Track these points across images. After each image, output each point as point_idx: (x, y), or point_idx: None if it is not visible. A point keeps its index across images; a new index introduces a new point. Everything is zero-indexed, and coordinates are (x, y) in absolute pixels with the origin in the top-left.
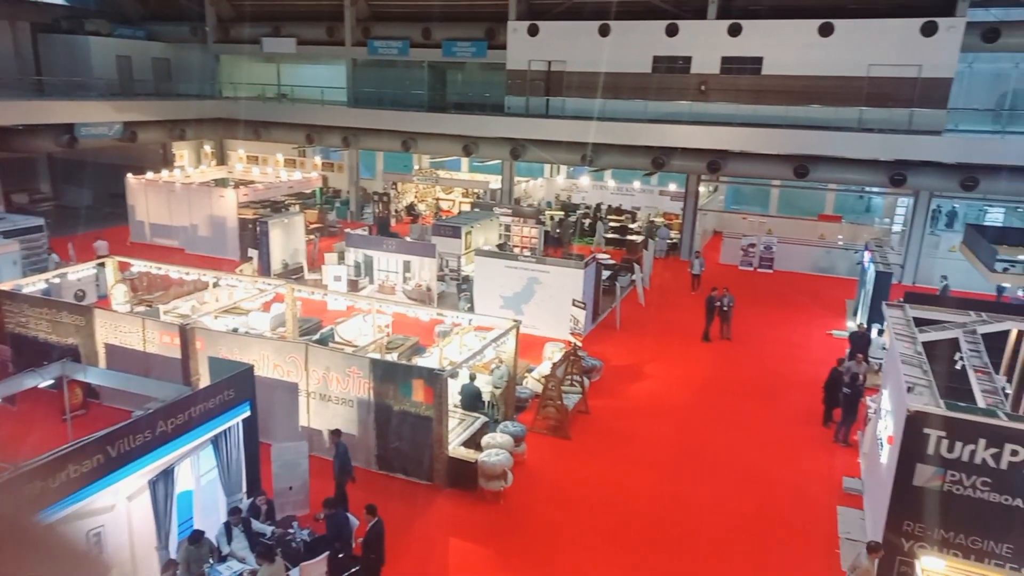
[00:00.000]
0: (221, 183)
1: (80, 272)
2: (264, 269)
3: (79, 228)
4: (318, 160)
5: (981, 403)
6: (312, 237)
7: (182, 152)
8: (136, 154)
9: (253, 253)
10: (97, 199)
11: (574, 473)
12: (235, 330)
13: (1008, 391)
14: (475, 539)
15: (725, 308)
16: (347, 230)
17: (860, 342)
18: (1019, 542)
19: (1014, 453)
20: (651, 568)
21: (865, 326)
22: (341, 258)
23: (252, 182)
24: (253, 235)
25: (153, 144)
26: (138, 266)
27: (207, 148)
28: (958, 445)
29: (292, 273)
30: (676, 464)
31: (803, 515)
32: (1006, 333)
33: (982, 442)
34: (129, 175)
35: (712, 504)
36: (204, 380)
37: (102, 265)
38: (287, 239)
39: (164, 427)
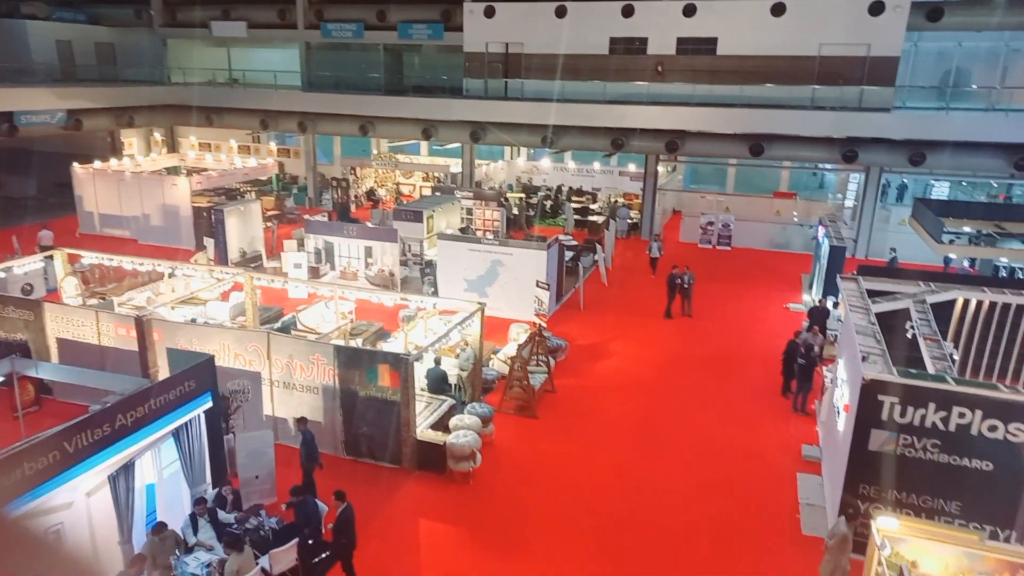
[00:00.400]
0: (173, 171)
1: (27, 265)
2: (221, 258)
3: (24, 219)
4: (273, 146)
5: (931, 369)
6: (270, 224)
7: (131, 140)
8: (83, 142)
9: (208, 242)
10: (42, 189)
11: (542, 451)
12: (193, 320)
13: (955, 357)
14: (445, 520)
15: (686, 285)
16: (306, 216)
17: (819, 315)
18: (967, 500)
19: (961, 416)
20: (618, 540)
21: (823, 300)
22: (300, 245)
23: (205, 169)
24: (208, 224)
25: (100, 132)
26: (89, 258)
27: (157, 135)
28: (910, 410)
29: (250, 261)
30: (641, 439)
31: (764, 483)
32: (953, 302)
33: (932, 406)
34: (75, 164)
35: (676, 475)
36: (163, 372)
37: (50, 258)
38: (244, 227)
39: (123, 421)
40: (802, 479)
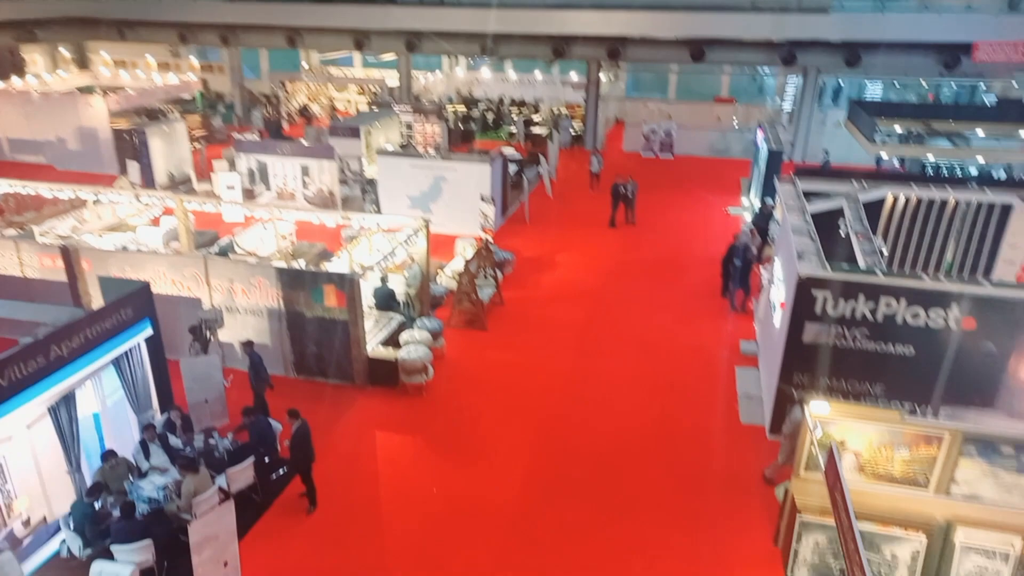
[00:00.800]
0: (86, 91)
1: None
2: (147, 182)
3: None
4: (195, 61)
5: (862, 264)
6: (198, 145)
7: (33, 57)
8: None
9: (132, 166)
10: None
11: (492, 362)
12: (124, 248)
13: (884, 252)
14: (401, 431)
15: (629, 195)
16: (235, 135)
17: (762, 219)
18: (890, 382)
19: (888, 305)
20: (568, 440)
21: (768, 204)
22: (232, 166)
23: (122, 88)
24: (132, 146)
25: None
26: (1, 186)
27: (64, 52)
28: (842, 303)
29: (180, 184)
30: (587, 344)
31: (705, 378)
32: (883, 200)
33: (862, 298)
34: None
35: (621, 375)
36: (97, 301)
37: None
38: (170, 149)
39: (59, 352)
40: (740, 372)
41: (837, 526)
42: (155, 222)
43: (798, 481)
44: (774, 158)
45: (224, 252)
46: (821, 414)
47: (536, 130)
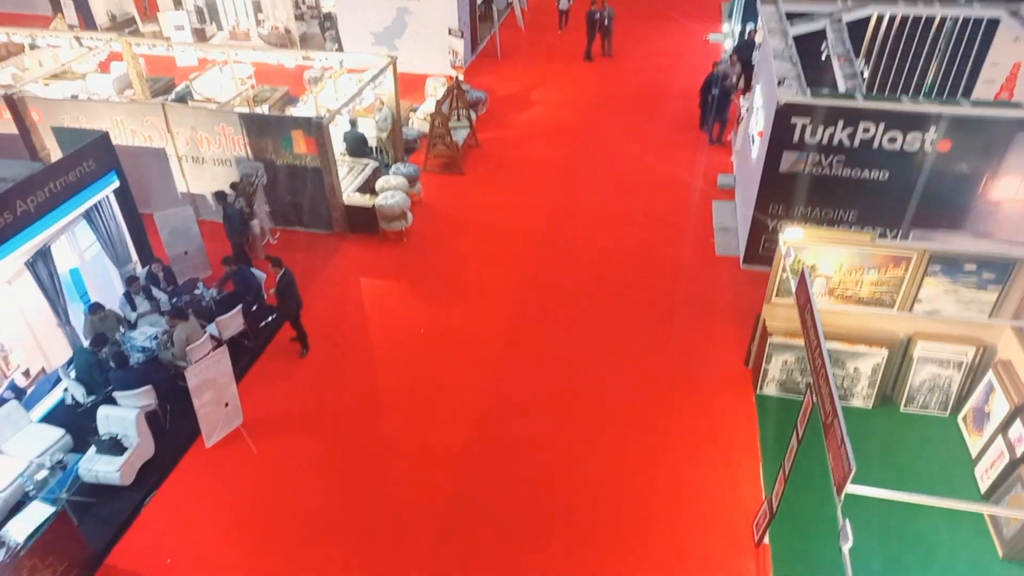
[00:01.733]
0: None
1: None
2: (87, 22)
3: None
4: None
5: (842, 87)
6: None
7: None
8: None
9: (67, 4)
10: None
11: (471, 204)
12: (75, 97)
13: (865, 74)
14: (385, 276)
15: (606, 23)
16: None
17: (745, 49)
18: (863, 207)
19: (866, 130)
20: (550, 277)
21: (753, 28)
22: (178, 3)
23: None
24: None
25: None
26: None
27: None
28: (820, 129)
29: (124, 26)
30: (566, 180)
31: (683, 211)
32: (867, 19)
33: (840, 123)
34: None
35: (602, 211)
36: (56, 153)
37: None
38: None
39: (25, 207)
40: (717, 206)
41: (806, 345)
42: (104, 68)
43: (770, 306)
44: None
45: (182, 99)
46: (795, 241)
47: None
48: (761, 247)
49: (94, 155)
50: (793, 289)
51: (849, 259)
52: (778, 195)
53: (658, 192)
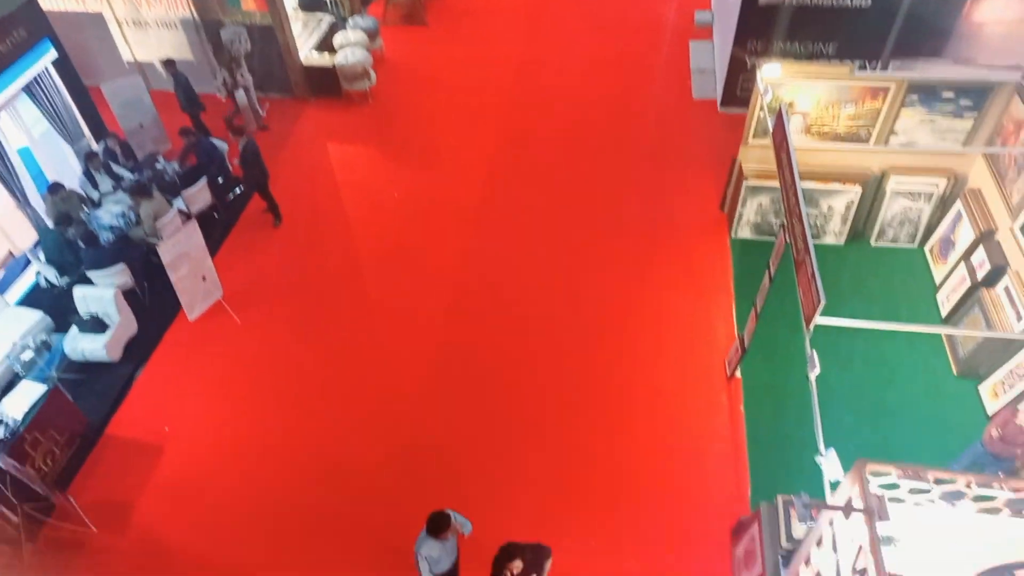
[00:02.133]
0: None
1: None
2: None
3: None
4: None
5: None
6: None
7: None
8: None
9: None
10: None
11: (438, 57)
12: None
13: None
14: (353, 141)
15: None
16: None
17: None
18: (843, 39)
19: None
20: (524, 126)
21: None
22: None
23: None
24: None
25: None
26: None
27: None
28: None
29: None
30: (537, 27)
31: (659, 53)
32: None
33: None
34: None
35: (575, 57)
36: None
37: None
38: None
39: None
40: (694, 46)
41: (780, 184)
42: None
43: (746, 148)
44: None
45: None
46: (772, 77)
47: None
48: (739, 88)
49: (23, 23)
50: (770, 128)
51: (827, 94)
52: (757, 29)
53: (633, 33)
